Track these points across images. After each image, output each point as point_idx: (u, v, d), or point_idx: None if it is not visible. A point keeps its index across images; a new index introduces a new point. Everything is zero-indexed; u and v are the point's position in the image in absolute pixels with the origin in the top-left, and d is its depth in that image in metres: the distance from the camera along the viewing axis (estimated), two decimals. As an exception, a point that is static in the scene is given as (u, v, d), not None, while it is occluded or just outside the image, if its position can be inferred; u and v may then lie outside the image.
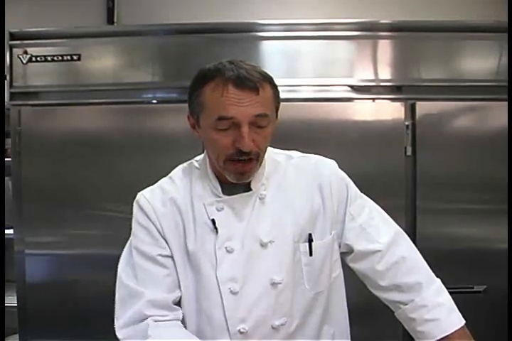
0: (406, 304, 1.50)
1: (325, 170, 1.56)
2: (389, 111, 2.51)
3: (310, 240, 1.49)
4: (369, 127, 2.49)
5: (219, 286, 1.44)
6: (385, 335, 2.36)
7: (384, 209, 1.63)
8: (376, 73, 2.55)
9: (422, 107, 2.48)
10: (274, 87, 1.42)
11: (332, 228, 1.53)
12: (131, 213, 1.54)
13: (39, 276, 2.59)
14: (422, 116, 2.47)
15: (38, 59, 2.56)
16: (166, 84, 2.58)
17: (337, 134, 2.48)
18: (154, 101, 2.62)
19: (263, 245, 1.45)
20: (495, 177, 2.36)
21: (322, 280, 1.51)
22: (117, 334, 1.44)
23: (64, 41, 2.59)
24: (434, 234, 2.45)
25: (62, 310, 2.54)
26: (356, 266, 1.56)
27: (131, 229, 1.53)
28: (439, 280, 1.55)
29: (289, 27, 2.57)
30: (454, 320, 1.48)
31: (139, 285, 1.45)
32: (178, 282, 1.48)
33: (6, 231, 2.56)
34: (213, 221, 1.46)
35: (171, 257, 1.48)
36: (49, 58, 2.56)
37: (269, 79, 1.40)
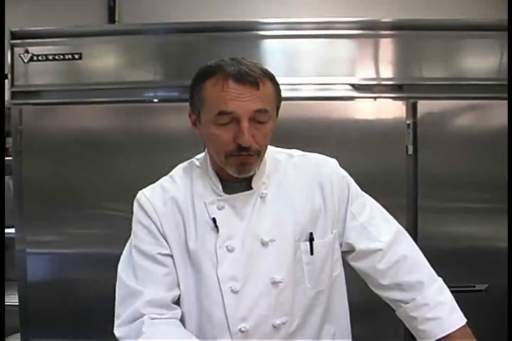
0: (407, 303, 1.50)
1: (326, 168, 1.56)
2: (390, 109, 2.51)
3: (311, 239, 1.49)
4: (370, 126, 2.48)
5: (220, 285, 1.44)
6: (386, 334, 2.36)
7: (385, 208, 1.63)
8: (377, 72, 2.55)
9: (424, 106, 2.47)
10: (276, 84, 1.42)
11: (333, 227, 1.53)
12: (132, 212, 1.54)
13: (40, 275, 2.59)
14: (423, 114, 2.47)
15: (39, 58, 2.56)
16: (166, 83, 2.58)
17: (338, 133, 2.47)
18: (155, 100, 2.62)
19: (264, 244, 1.45)
20: (496, 176, 2.35)
21: (323, 279, 1.51)
22: (115, 332, 1.45)
23: (65, 40, 2.59)
24: (435, 233, 2.45)
25: (64, 309, 2.54)
26: (357, 264, 1.56)
27: (131, 228, 1.53)
28: (440, 279, 1.55)
29: (289, 26, 2.57)
30: (456, 319, 1.47)
31: (139, 284, 1.45)
32: (178, 281, 1.48)
33: (8, 231, 2.56)
34: (214, 220, 1.45)
35: (171, 256, 1.48)
36: (50, 57, 2.56)
37: (270, 76, 1.41)
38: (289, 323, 1.46)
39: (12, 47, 2.57)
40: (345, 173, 1.60)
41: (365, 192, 1.63)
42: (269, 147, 1.50)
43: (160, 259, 1.47)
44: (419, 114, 2.47)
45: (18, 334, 2.62)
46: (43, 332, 2.56)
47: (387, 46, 2.57)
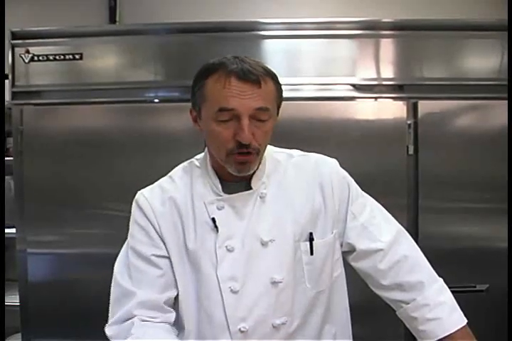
0: (408, 303, 1.50)
1: (326, 168, 1.56)
2: (391, 110, 2.51)
3: (311, 239, 1.49)
4: (371, 126, 2.48)
5: (219, 285, 1.44)
6: (386, 334, 2.36)
7: (386, 208, 1.63)
8: (378, 72, 2.55)
9: (424, 106, 2.47)
10: (277, 83, 1.43)
11: (333, 227, 1.53)
12: (133, 212, 1.55)
13: (41, 275, 2.59)
14: (424, 115, 2.47)
15: (40, 58, 2.56)
16: (167, 83, 2.59)
17: (339, 133, 2.47)
18: (156, 101, 2.62)
19: (263, 244, 1.45)
20: (497, 176, 2.35)
21: (323, 280, 1.51)
22: (106, 331, 1.45)
23: (66, 40, 2.59)
24: (436, 233, 2.45)
25: (64, 309, 2.54)
26: (358, 265, 1.56)
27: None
28: (441, 279, 1.55)
29: (290, 26, 2.57)
30: (456, 319, 1.47)
31: (133, 285, 1.46)
32: (175, 282, 1.48)
33: (8, 231, 2.56)
34: (213, 220, 1.45)
35: (167, 257, 1.48)
36: (51, 57, 2.56)
37: (272, 75, 1.41)
38: (288, 323, 1.46)
39: (13, 47, 2.57)
40: (346, 173, 1.60)
41: (366, 192, 1.63)
42: (268, 147, 1.51)
43: (154, 261, 1.48)
44: (419, 114, 2.47)
45: (19, 335, 2.62)
46: (43, 332, 2.57)
47: (387, 46, 2.57)
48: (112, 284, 1.50)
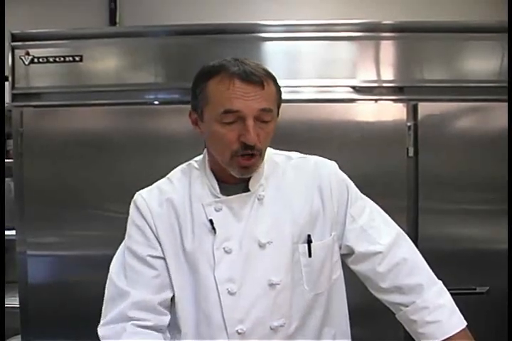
0: (407, 306, 1.50)
1: (325, 171, 1.56)
2: (391, 112, 2.51)
3: (309, 241, 1.49)
4: (371, 128, 2.48)
5: (217, 287, 1.44)
6: (386, 337, 2.36)
7: (386, 210, 1.63)
8: (378, 74, 2.55)
9: (424, 108, 2.47)
10: (277, 84, 1.44)
11: (332, 229, 1.53)
12: (132, 214, 1.55)
13: (41, 277, 2.59)
14: (424, 117, 2.47)
15: (40, 60, 2.56)
16: (167, 85, 2.58)
17: (339, 135, 2.47)
18: (156, 103, 2.62)
19: (261, 246, 1.45)
20: (497, 177, 2.35)
21: (322, 282, 1.51)
22: (98, 331, 1.46)
23: (66, 42, 2.59)
24: (436, 235, 2.44)
25: (64, 311, 2.54)
26: (357, 267, 1.56)
27: None
28: (440, 281, 1.55)
29: (290, 28, 2.57)
30: (456, 322, 1.47)
31: (128, 285, 1.46)
32: (171, 283, 1.49)
33: (8, 232, 2.56)
34: (211, 221, 1.46)
35: (163, 258, 1.49)
36: (51, 59, 2.56)
37: (272, 77, 1.42)
38: (287, 325, 1.46)
39: (13, 49, 2.57)
40: (345, 176, 1.60)
41: (366, 194, 1.63)
42: (267, 149, 1.51)
43: (150, 261, 1.48)
44: (419, 116, 2.46)
45: (19, 336, 2.62)
46: (43, 333, 2.56)
47: (388, 48, 2.57)
48: (107, 283, 1.51)
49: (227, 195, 1.48)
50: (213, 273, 1.45)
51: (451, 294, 1.54)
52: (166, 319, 1.49)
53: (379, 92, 2.54)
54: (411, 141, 2.46)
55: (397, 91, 2.54)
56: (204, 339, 1.46)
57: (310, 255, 1.49)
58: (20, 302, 2.60)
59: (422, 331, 1.47)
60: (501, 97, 2.30)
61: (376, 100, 2.55)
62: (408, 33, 2.53)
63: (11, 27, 2.58)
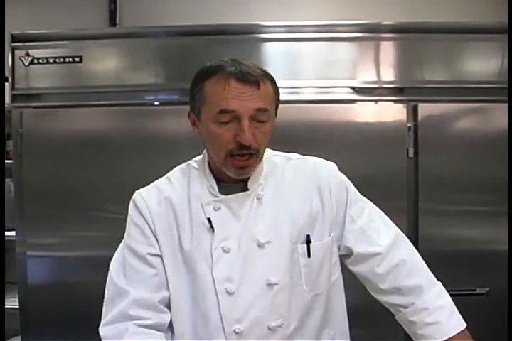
0: (406, 307, 1.50)
1: (324, 172, 1.56)
2: (391, 112, 2.50)
3: (308, 241, 1.49)
4: (371, 129, 2.48)
5: (215, 286, 1.44)
6: (386, 338, 2.36)
7: (386, 211, 1.63)
8: (378, 75, 2.55)
9: (424, 109, 2.47)
10: (274, 84, 1.44)
11: (331, 230, 1.53)
12: (132, 214, 1.55)
13: (41, 278, 2.59)
14: (424, 117, 2.47)
15: (40, 61, 2.56)
16: (167, 86, 2.58)
17: (339, 136, 2.47)
18: (156, 103, 2.62)
19: (260, 245, 1.46)
20: (497, 178, 2.35)
21: (321, 283, 1.51)
22: (99, 331, 1.46)
23: (66, 43, 2.59)
24: (436, 236, 2.44)
25: (64, 312, 2.54)
26: (356, 269, 1.56)
27: None
28: (439, 283, 1.55)
29: (290, 28, 2.56)
30: (455, 323, 1.47)
31: (127, 283, 1.47)
32: (167, 282, 1.49)
33: (8, 233, 2.56)
34: (209, 220, 1.46)
35: (160, 256, 1.49)
36: (51, 60, 2.56)
37: (269, 77, 1.43)
38: (285, 326, 1.46)
39: (13, 50, 2.57)
40: (344, 177, 1.60)
41: (366, 195, 1.63)
42: (267, 150, 1.52)
43: (149, 260, 1.48)
44: (419, 117, 2.46)
45: (19, 337, 2.62)
46: (43, 334, 2.56)
47: (388, 49, 2.57)
48: (107, 283, 1.51)
49: (226, 194, 1.49)
50: (211, 272, 1.45)
51: (451, 295, 1.54)
52: (167, 317, 1.49)
53: (379, 93, 2.54)
54: (411, 141, 2.46)
55: (397, 92, 2.54)
56: (201, 339, 1.46)
57: (309, 255, 1.49)
58: (20, 303, 2.59)
59: (421, 332, 1.47)
60: (501, 98, 2.30)
61: (376, 101, 2.55)
62: (408, 34, 2.53)
63: (11, 28, 2.58)
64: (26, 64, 2.56)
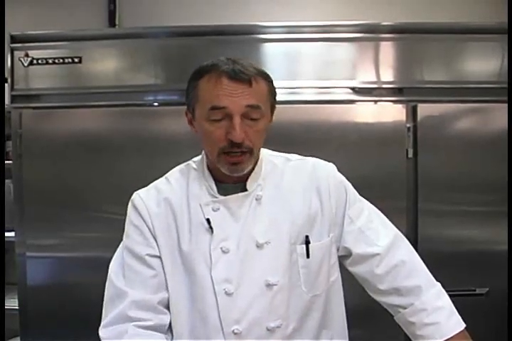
0: (405, 308, 1.50)
1: (323, 172, 1.56)
2: (390, 113, 2.50)
3: (307, 242, 1.49)
4: (370, 129, 2.48)
5: (214, 287, 1.44)
6: (385, 339, 2.35)
7: (385, 212, 1.63)
8: (378, 75, 2.55)
9: (424, 109, 2.47)
10: (270, 83, 1.45)
11: (330, 230, 1.53)
12: (131, 215, 1.55)
13: (40, 279, 2.59)
14: (423, 118, 2.46)
15: (39, 61, 2.56)
16: (167, 86, 2.58)
17: (338, 136, 2.47)
18: (155, 104, 2.62)
19: (259, 246, 1.46)
20: (497, 179, 2.34)
21: (319, 283, 1.51)
22: (99, 332, 1.46)
23: (65, 44, 2.59)
24: (435, 236, 2.44)
25: (64, 313, 2.54)
26: (355, 269, 1.56)
27: None
28: (438, 283, 1.55)
29: (290, 29, 2.56)
30: (454, 324, 1.47)
31: (126, 285, 1.47)
32: (166, 283, 1.49)
33: (8, 234, 2.56)
34: (208, 220, 1.46)
35: (159, 257, 1.49)
36: (50, 61, 2.56)
37: (264, 75, 1.43)
38: (284, 327, 1.46)
39: (12, 50, 2.57)
40: (343, 178, 1.60)
41: (365, 196, 1.63)
42: (266, 151, 1.52)
43: (148, 261, 1.48)
44: (419, 118, 2.46)
45: (18, 338, 2.62)
46: (42, 335, 2.55)
47: (387, 49, 2.57)
48: (107, 284, 1.51)
49: (225, 194, 1.49)
50: (210, 273, 1.45)
51: (451, 295, 1.53)
52: (167, 318, 1.49)
53: (378, 93, 2.54)
54: (410, 142, 2.46)
55: (397, 92, 2.53)
56: (200, 340, 1.46)
57: (308, 256, 1.49)
58: (20, 304, 2.59)
59: (420, 333, 1.47)
60: (501, 98, 2.31)
61: (375, 101, 2.55)
62: (408, 34, 2.53)
63: (10, 28, 2.58)
64: (26, 65, 2.56)
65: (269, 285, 1.44)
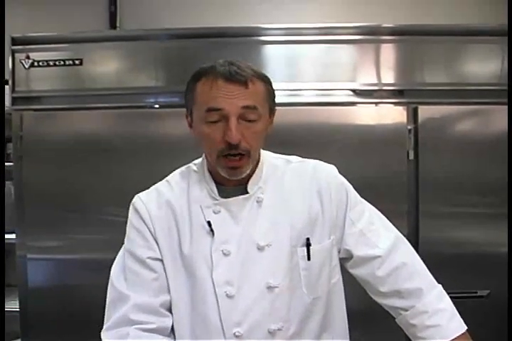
0: (407, 310, 1.50)
1: (324, 175, 1.56)
2: (391, 115, 2.50)
3: (308, 244, 1.49)
4: (371, 131, 2.48)
5: (215, 289, 1.44)
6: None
7: (386, 214, 1.63)
8: (378, 77, 2.55)
9: (425, 111, 2.47)
10: (268, 85, 1.45)
11: (331, 233, 1.53)
12: (132, 217, 1.55)
13: (41, 281, 2.59)
14: (424, 120, 2.47)
15: (40, 64, 2.57)
16: (167, 88, 2.58)
17: (339, 138, 2.47)
18: (156, 106, 2.62)
19: (260, 248, 1.45)
20: (498, 180, 2.34)
21: (320, 286, 1.51)
22: (101, 335, 1.45)
23: (66, 46, 2.59)
24: (436, 238, 2.44)
25: (65, 315, 2.54)
26: (356, 272, 1.56)
27: None
28: (440, 285, 1.54)
29: (290, 31, 2.57)
30: (456, 326, 1.47)
31: (128, 288, 1.46)
32: (168, 286, 1.48)
33: (8, 236, 2.56)
34: (209, 223, 1.46)
35: (161, 260, 1.49)
36: (51, 63, 2.56)
37: (262, 77, 1.43)
38: (285, 329, 1.45)
39: (13, 52, 2.57)
40: (344, 180, 1.60)
41: (366, 198, 1.63)
42: (266, 153, 1.52)
43: (150, 264, 1.48)
44: (420, 119, 2.46)
45: (19, 340, 2.62)
46: (44, 337, 2.56)
47: (388, 51, 2.57)
48: (108, 287, 1.51)
49: (226, 197, 1.48)
50: (211, 275, 1.44)
51: (452, 297, 1.53)
52: (169, 321, 1.48)
53: (379, 95, 2.54)
54: (411, 144, 2.46)
55: (398, 94, 2.54)
56: None
57: (309, 258, 1.48)
58: (21, 306, 2.59)
59: (421, 335, 1.47)
60: (501, 100, 2.30)
61: (376, 103, 2.55)
62: (408, 36, 2.53)
63: (11, 31, 2.59)
64: (26, 67, 2.57)
65: (270, 288, 1.44)
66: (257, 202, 1.49)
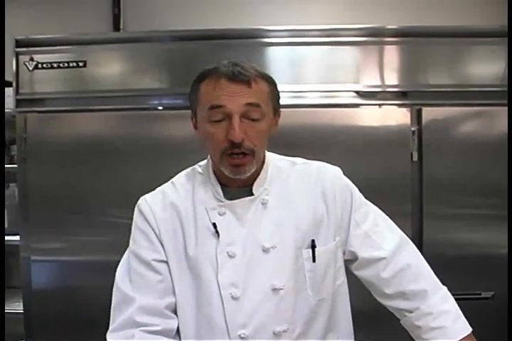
0: (411, 312, 1.50)
1: (329, 176, 1.56)
2: (395, 116, 2.50)
3: (313, 246, 1.49)
4: (375, 133, 2.48)
5: (220, 291, 1.44)
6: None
7: (390, 215, 1.63)
8: (382, 79, 2.55)
9: (428, 113, 2.47)
10: (272, 85, 1.45)
11: (336, 234, 1.53)
12: (136, 219, 1.55)
13: (45, 282, 2.59)
14: (428, 121, 2.47)
15: (44, 66, 2.57)
16: (171, 90, 2.58)
17: (343, 140, 2.47)
18: (160, 108, 2.62)
19: (265, 250, 1.45)
20: (501, 182, 2.33)
21: (325, 287, 1.51)
22: (107, 337, 1.46)
23: (70, 48, 2.59)
24: (440, 240, 2.44)
25: (68, 317, 2.54)
26: (361, 273, 1.56)
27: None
28: (444, 287, 1.54)
29: (294, 33, 2.56)
30: (461, 328, 1.47)
31: (133, 290, 1.47)
32: (173, 288, 1.48)
33: (12, 238, 2.57)
34: (214, 225, 1.46)
35: (166, 262, 1.49)
36: (55, 65, 2.57)
37: (265, 77, 1.44)
38: (290, 331, 1.45)
39: (17, 55, 2.57)
40: (349, 181, 1.60)
41: (371, 199, 1.63)
42: (271, 155, 1.52)
43: (155, 266, 1.48)
44: (423, 121, 2.46)
45: (23, 342, 2.63)
46: (47, 339, 2.56)
47: (391, 53, 2.57)
48: (114, 289, 1.51)
49: (231, 199, 1.48)
50: (216, 277, 1.44)
51: (457, 299, 1.53)
52: (174, 323, 1.48)
53: (383, 97, 2.54)
54: (415, 145, 2.46)
55: (401, 96, 2.54)
56: None
57: (314, 260, 1.48)
58: (24, 308, 2.59)
59: (426, 337, 1.47)
60: (505, 102, 2.30)
61: (380, 105, 2.55)
62: (412, 38, 2.53)
63: (15, 33, 2.59)
64: (30, 69, 2.57)
65: (275, 290, 1.44)
66: (262, 203, 1.49)
